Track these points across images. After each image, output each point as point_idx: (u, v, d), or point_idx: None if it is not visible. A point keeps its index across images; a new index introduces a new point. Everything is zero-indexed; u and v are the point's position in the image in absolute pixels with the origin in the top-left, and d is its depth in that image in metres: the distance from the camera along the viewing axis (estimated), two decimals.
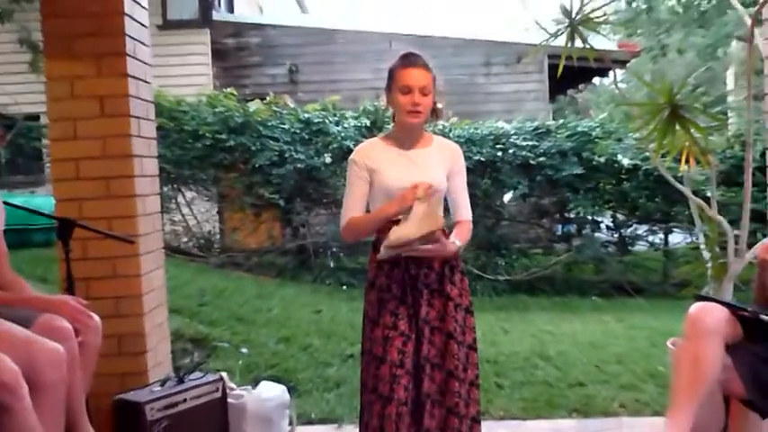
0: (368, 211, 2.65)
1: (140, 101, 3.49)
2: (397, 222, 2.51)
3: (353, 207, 2.61)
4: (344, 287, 7.95)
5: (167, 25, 11.34)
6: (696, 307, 2.53)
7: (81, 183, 3.33)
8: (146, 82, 3.58)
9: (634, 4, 19.10)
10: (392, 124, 2.71)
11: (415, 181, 2.52)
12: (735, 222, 3.57)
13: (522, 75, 11.52)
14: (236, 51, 11.96)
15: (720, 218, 3.51)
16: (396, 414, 2.46)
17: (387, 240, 2.46)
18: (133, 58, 3.41)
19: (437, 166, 2.62)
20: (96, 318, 2.76)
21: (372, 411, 2.51)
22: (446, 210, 2.68)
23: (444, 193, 2.64)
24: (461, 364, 2.56)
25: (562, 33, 3.78)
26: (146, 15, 3.64)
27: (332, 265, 8.59)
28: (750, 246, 3.47)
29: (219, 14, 12.27)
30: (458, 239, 2.60)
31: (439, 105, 2.63)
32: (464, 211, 2.71)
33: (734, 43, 18.54)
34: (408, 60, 2.57)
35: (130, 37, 3.39)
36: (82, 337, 2.65)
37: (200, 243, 9.16)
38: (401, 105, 2.55)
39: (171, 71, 10.09)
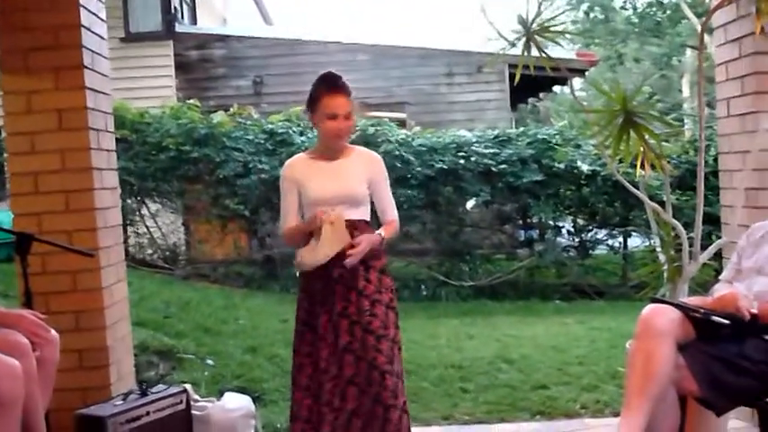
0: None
1: (99, 113, 3.47)
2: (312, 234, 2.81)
3: (287, 216, 2.95)
4: None
5: (130, 38, 11.22)
6: (648, 309, 2.60)
7: (40, 197, 3.31)
8: (105, 94, 3.57)
9: (591, 15, 19.51)
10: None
11: (335, 190, 2.82)
12: (689, 225, 3.67)
13: (484, 84, 11.62)
14: (200, 63, 11.87)
15: (675, 221, 3.59)
16: (301, 400, 2.80)
17: (306, 261, 2.86)
18: (91, 70, 3.40)
19: (357, 174, 2.89)
20: (54, 332, 2.74)
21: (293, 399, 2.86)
22: (374, 213, 2.97)
23: (363, 199, 2.90)
24: (383, 357, 2.73)
25: (519, 42, 3.83)
26: (104, 28, 3.63)
27: (298, 274, 8.55)
28: (704, 248, 3.57)
29: (183, 26, 12.17)
30: (383, 231, 2.89)
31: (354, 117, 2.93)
32: (390, 212, 2.98)
33: (688, 52, 19.00)
34: (333, 87, 2.85)
35: (88, 49, 3.38)
36: (39, 352, 2.63)
37: (165, 255, 9.09)
38: (328, 129, 2.85)
39: (134, 83, 9.99)
